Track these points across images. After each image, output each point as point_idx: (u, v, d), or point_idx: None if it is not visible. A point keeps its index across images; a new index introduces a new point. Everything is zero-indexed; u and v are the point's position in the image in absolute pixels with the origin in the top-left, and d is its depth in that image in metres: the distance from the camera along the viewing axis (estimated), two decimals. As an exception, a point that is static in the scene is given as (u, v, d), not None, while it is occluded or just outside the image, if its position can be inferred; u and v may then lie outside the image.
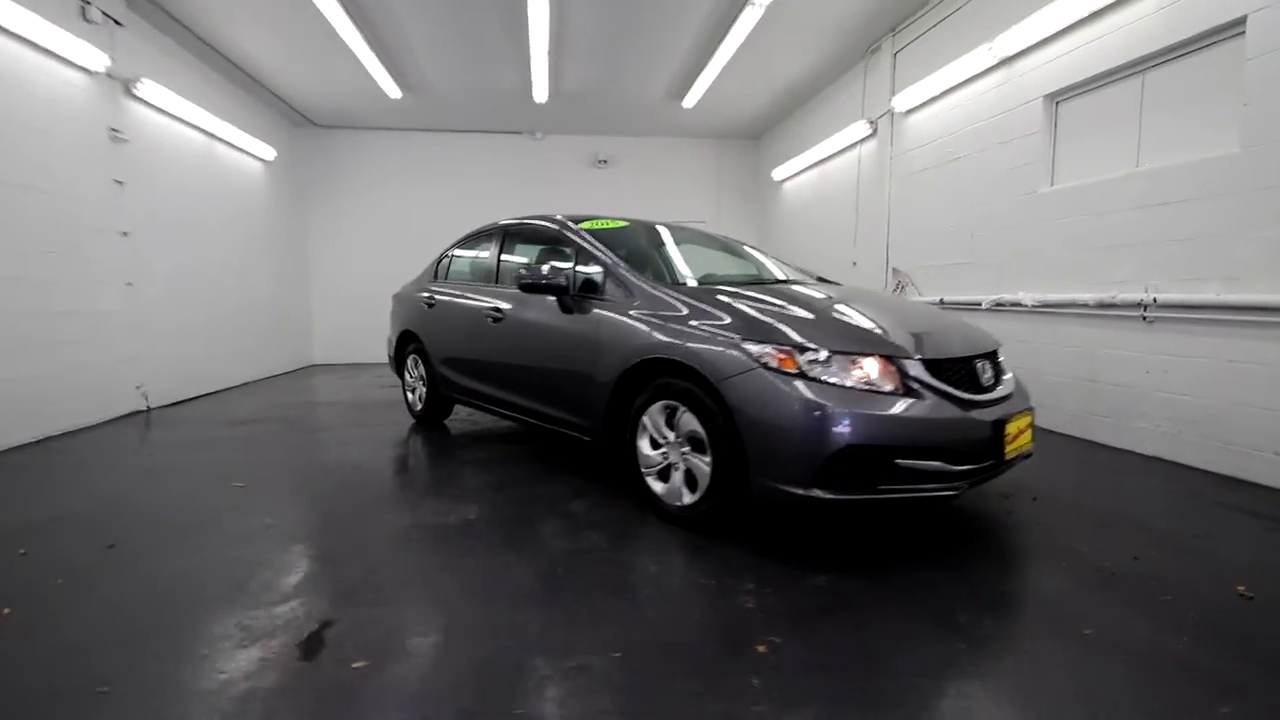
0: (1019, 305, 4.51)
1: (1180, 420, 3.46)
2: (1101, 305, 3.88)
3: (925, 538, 2.49)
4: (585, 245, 3.21)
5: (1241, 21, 3.10)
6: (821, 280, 3.58)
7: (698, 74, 6.87)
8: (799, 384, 2.16)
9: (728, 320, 2.44)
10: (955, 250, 5.25)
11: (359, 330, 9.08)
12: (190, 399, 5.86)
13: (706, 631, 1.78)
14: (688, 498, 2.52)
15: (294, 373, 8.20)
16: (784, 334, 2.29)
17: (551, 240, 3.55)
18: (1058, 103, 4.31)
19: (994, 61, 4.69)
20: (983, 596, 2.00)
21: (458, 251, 4.53)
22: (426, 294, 4.48)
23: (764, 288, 2.89)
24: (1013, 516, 2.72)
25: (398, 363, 4.97)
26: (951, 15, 5.19)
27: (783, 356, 2.22)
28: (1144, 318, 3.63)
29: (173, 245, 5.71)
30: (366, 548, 2.38)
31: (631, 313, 2.77)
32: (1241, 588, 2.04)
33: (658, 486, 2.65)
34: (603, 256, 3.07)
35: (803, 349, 2.22)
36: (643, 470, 2.71)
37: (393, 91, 7.00)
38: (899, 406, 2.16)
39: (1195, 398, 3.37)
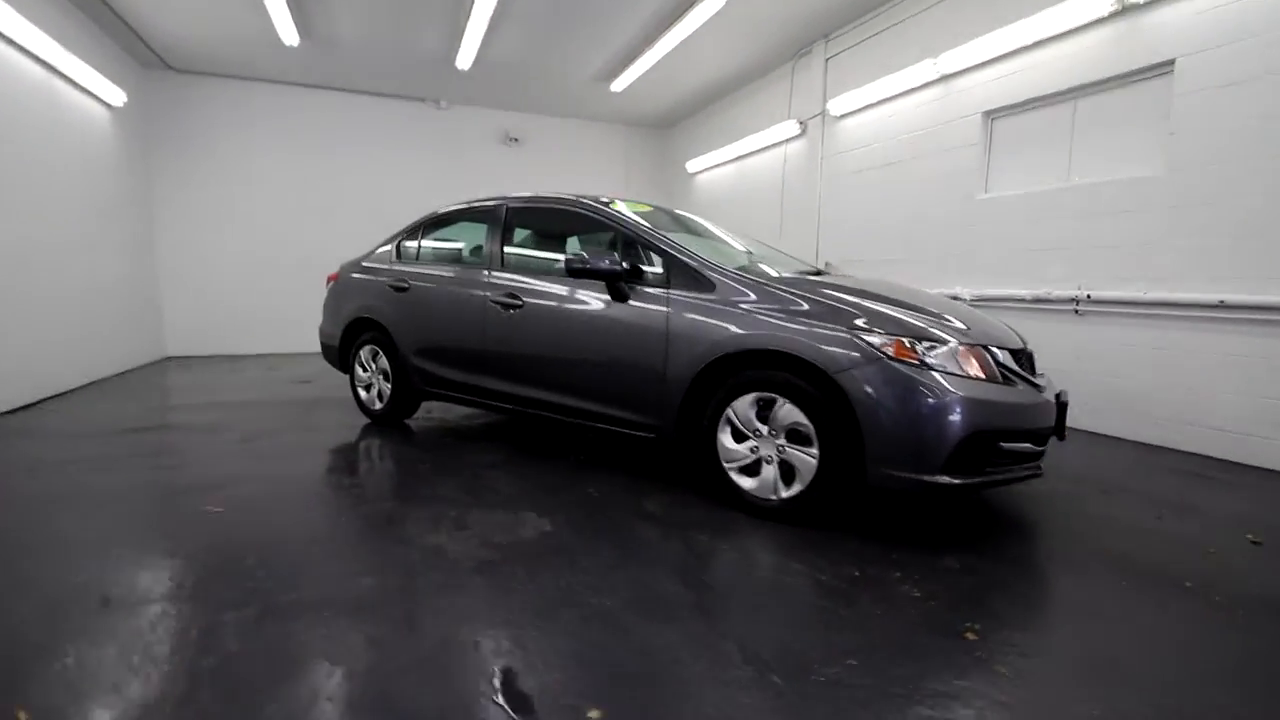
0: (957, 299, 5.04)
1: (1108, 398, 4.10)
2: (1037, 300, 4.46)
3: (953, 520, 2.70)
4: (638, 231, 3.00)
5: (1171, 63, 3.71)
6: (822, 270, 3.71)
7: (635, 59, 6.74)
8: (927, 374, 2.21)
9: (828, 310, 2.43)
10: (892, 247, 5.72)
11: (229, 317, 7.75)
12: (33, 404, 4.59)
13: (909, 625, 1.77)
14: (785, 491, 2.48)
15: (148, 367, 6.76)
16: (899, 324, 2.33)
17: (583, 222, 3.30)
18: (994, 119, 4.86)
19: (935, 77, 5.16)
20: (1069, 553, 2.22)
21: (433, 230, 4.01)
22: (394, 277, 3.92)
23: (819, 278, 2.91)
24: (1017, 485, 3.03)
25: (343, 355, 4.31)
26: (888, 30, 5.61)
27: (902, 347, 2.26)
28: (1076, 311, 4.25)
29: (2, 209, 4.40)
30: (472, 589, 2.03)
31: (711, 303, 2.65)
32: (1158, 516, 2.48)
33: (746, 482, 2.58)
34: (662, 243, 2.90)
35: (921, 339, 2.28)
36: (725, 465, 2.62)
37: (290, 37, 5.98)
38: (1006, 393, 2.31)
39: (1122, 379, 4.02)
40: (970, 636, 1.71)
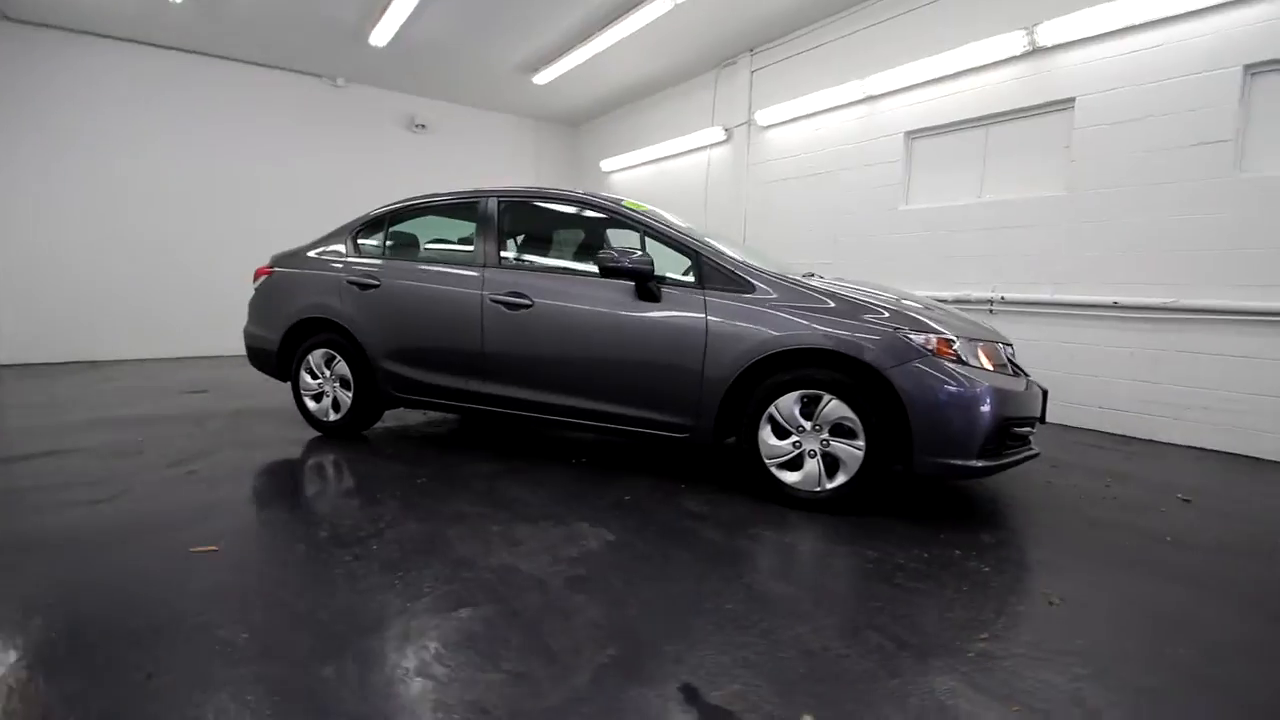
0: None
1: (1020, 386, 4.73)
2: (957, 301, 5.03)
3: (943, 500, 3.01)
4: (664, 229, 2.96)
5: (1072, 100, 4.36)
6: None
7: (567, 53, 6.60)
8: (963, 369, 2.43)
9: (868, 311, 2.57)
10: (819, 251, 6.14)
11: (79, 317, 6.48)
12: None
13: (1001, 595, 1.94)
14: (829, 483, 2.59)
15: (-37, 380, 5.43)
16: (933, 325, 2.52)
17: (597, 220, 3.19)
18: (914, 138, 5.40)
19: (861, 96, 5.62)
20: (1069, 521, 2.57)
21: (399, 222, 3.65)
22: (358, 273, 3.51)
23: (835, 280, 3.06)
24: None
25: (283, 361, 3.77)
26: (814, 50, 6.02)
27: (941, 345, 2.46)
28: (991, 311, 4.86)
29: None
30: (583, 608, 1.89)
31: (752, 304, 2.69)
32: (1106, 485, 3.00)
33: (789, 476, 2.65)
34: (693, 244, 2.89)
35: (958, 337, 2.50)
36: (767, 461, 2.68)
37: (172, -10, 5.12)
38: (1016, 383, 2.60)
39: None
40: (1054, 602, 1.91)
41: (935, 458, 2.42)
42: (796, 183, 6.33)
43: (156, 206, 6.78)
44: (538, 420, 3.14)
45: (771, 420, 2.65)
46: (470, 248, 3.34)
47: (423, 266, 3.42)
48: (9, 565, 2.00)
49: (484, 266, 3.23)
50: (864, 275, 5.62)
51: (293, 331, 3.68)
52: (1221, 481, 3.33)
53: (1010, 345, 2.96)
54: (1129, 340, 4.16)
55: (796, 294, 2.68)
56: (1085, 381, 4.41)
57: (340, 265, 3.60)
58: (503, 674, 1.49)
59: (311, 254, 3.76)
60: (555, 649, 1.59)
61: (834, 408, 2.54)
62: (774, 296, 2.68)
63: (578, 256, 3.53)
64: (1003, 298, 4.76)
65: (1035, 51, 4.47)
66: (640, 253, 2.79)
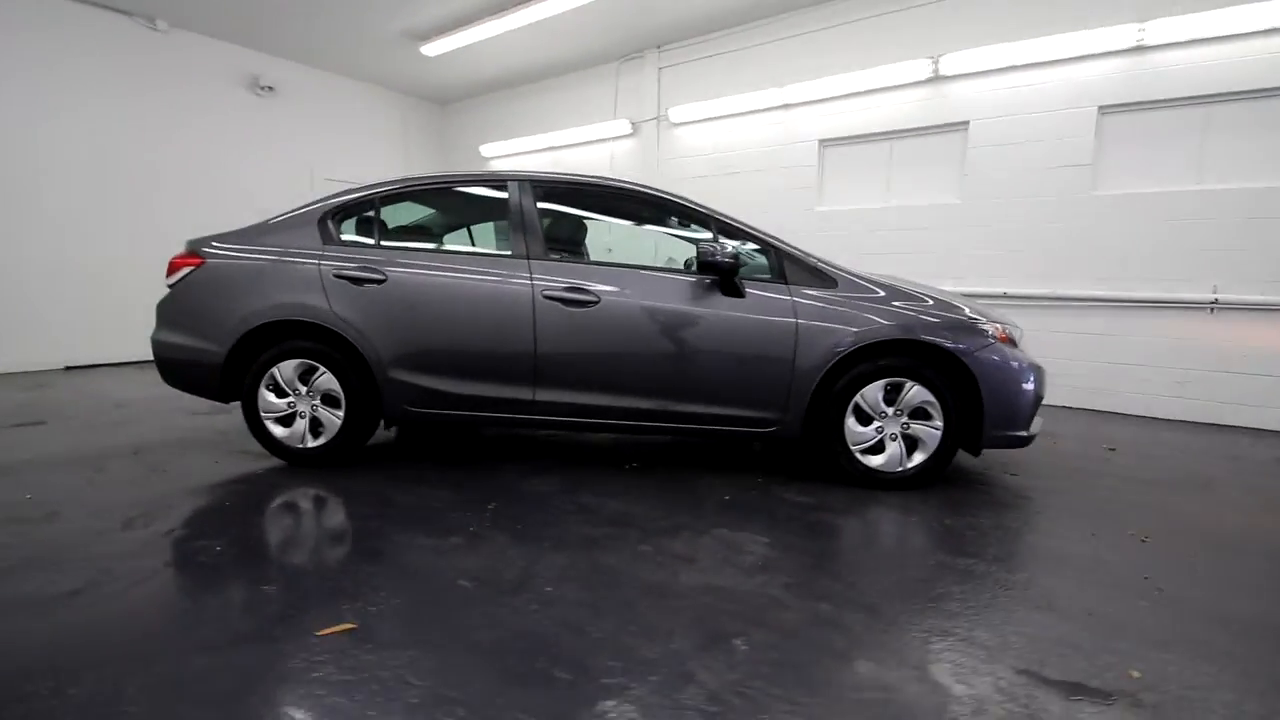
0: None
1: (927, 366, 5.51)
2: (872, 293, 5.69)
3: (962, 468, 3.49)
4: (741, 224, 2.95)
5: (966, 123, 5.17)
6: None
7: (469, 25, 6.03)
8: (1019, 354, 2.80)
9: (941, 304, 2.83)
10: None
11: None
12: None
13: (1107, 544, 2.31)
14: (910, 463, 2.81)
15: None
16: (992, 315, 2.87)
17: (657, 211, 3.03)
18: (826, 146, 5.94)
19: (778, 104, 6.02)
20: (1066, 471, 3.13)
21: (393, 204, 3.08)
22: (351, 264, 2.88)
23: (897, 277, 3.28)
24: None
25: (231, 377, 2.96)
26: (729, 54, 6.29)
27: (1002, 333, 2.81)
28: (901, 302, 5.57)
29: None
30: (815, 627, 1.82)
31: (838, 298, 2.79)
32: (1054, 441, 3.79)
33: (874, 460, 2.82)
34: (771, 239, 2.90)
35: (1010, 326, 2.87)
36: (853, 447, 2.81)
37: None
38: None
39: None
40: (1143, 540, 2.33)
41: (1000, 431, 2.77)
42: (713, 180, 6.57)
43: None
44: (584, 426, 2.90)
45: (857, 408, 2.79)
46: (505, 238, 2.95)
47: (436, 259, 2.93)
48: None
49: (528, 258, 2.88)
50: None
51: (246, 339, 2.91)
52: (1115, 432, 4.25)
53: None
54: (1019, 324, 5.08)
55: (870, 289, 2.85)
56: (983, 359, 5.29)
57: (314, 255, 2.92)
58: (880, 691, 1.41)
59: (265, 241, 2.99)
60: (819, 677, 1.54)
61: (916, 393, 2.76)
62: (853, 291, 2.82)
63: (636, 250, 3.34)
64: (912, 290, 5.49)
65: (937, 79, 5.22)
66: (732, 247, 2.73)
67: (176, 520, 2.33)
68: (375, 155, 8.16)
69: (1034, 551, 2.25)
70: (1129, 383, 4.71)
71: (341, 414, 2.92)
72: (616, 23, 6.19)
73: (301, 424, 2.96)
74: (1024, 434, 2.79)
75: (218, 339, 2.91)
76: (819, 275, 2.85)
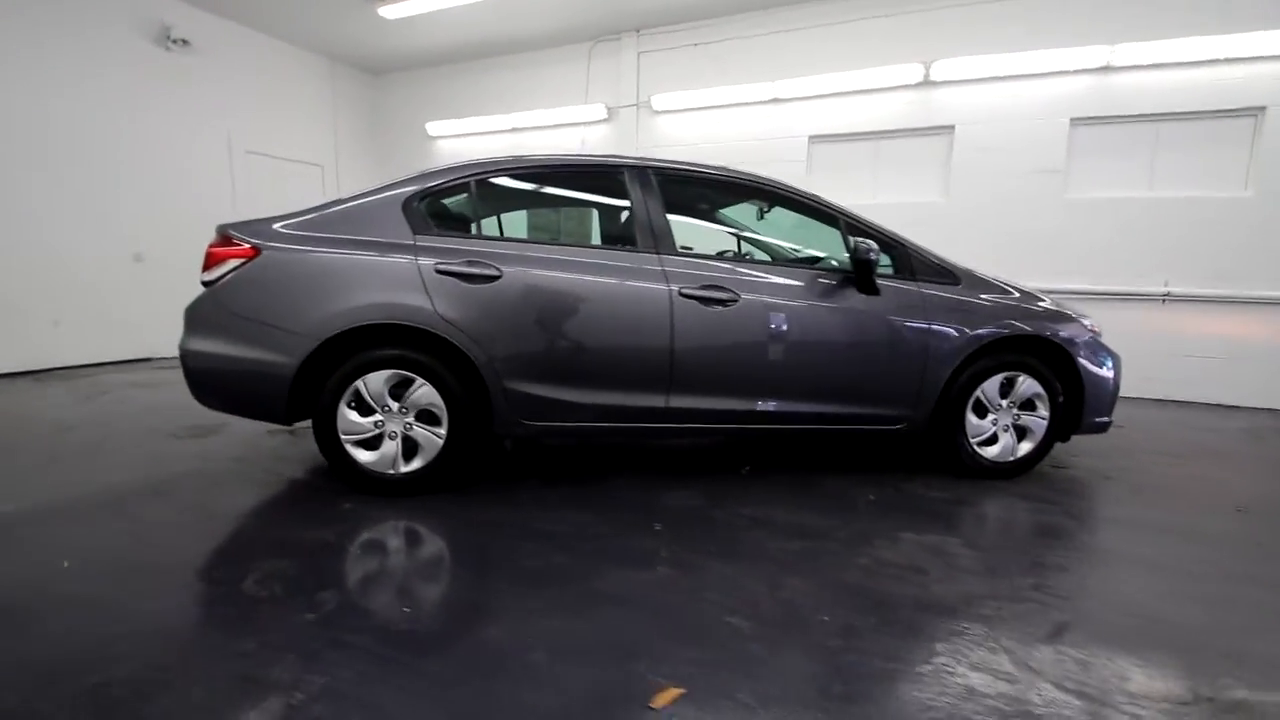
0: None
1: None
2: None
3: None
4: (868, 223, 2.91)
5: (951, 127, 5.51)
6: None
7: (446, -12, 5.45)
8: (1107, 346, 3.03)
9: (1046, 302, 2.99)
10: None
11: None
12: None
13: (1197, 508, 2.57)
14: (1017, 452, 2.95)
15: None
16: (1077, 310, 3.07)
17: (779, 203, 2.93)
18: (815, 143, 6.08)
19: (768, 98, 6.06)
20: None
21: (488, 188, 2.70)
22: (459, 259, 2.47)
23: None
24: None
25: (301, 394, 2.44)
26: (718, 44, 6.23)
27: (1095, 328, 3.02)
28: (889, 294, 5.87)
29: None
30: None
31: (962, 295, 2.85)
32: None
33: (989, 451, 2.93)
34: (897, 236, 2.88)
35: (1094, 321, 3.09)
36: (972, 440, 2.90)
37: None
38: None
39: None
40: (1244, 510, 2.63)
41: (1095, 418, 2.98)
42: (696, 171, 6.48)
43: None
44: (703, 432, 2.77)
45: (977, 402, 2.88)
46: (626, 228, 2.68)
47: (565, 250, 2.61)
48: None
49: (658, 252, 2.64)
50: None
51: (324, 348, 2.41)
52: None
53: None
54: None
55: (986, 285, 2.94)
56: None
57: (406, 246, 2.48)
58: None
59: (339, 228, 2.49)
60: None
61: (1029, 386, 2.90)
62: (975, 287, 2.90)
63: (757, 245, 3.25)
64: (900, 283, 5.79)
65: (927, 83, 5.51)
66: (876, 245, 2.68)
67: (305, 584, 1.87)
68: (302, 127, 7.18)
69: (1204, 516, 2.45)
70: (1096, 366, 5.31)
71: (444, 432, 2.51)
72: (592, 1, 5.90)
73: (392, 446, 2.51)
74: (1108, 419, 3.02)
75: (286, 347, 2.39)
76: (943, 272, 2.89)
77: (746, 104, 6.21)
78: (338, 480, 2.61)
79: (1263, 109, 4.64)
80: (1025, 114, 5.27)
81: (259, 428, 3.48)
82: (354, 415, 2.47)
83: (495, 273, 2.49)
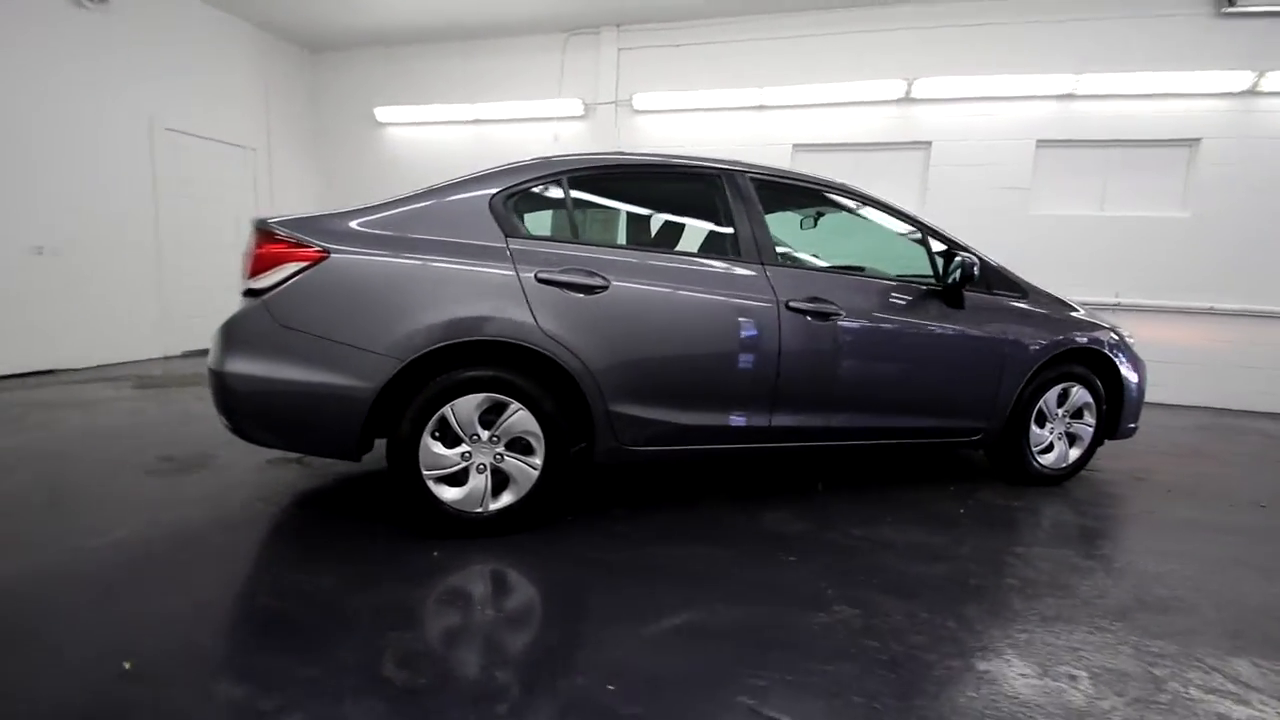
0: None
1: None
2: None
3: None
4: (947, 234, 2.93)
5: (929, 143, 5.76)
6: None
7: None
8: (1138, 356, 3.24)
9: (1087, 313, 3.14)
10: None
11: None
12: None
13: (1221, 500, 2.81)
14: (1069, 459, 3.09)
15: None
16: (1110, 321, 3.26)
17: (879, 212, 2.94)
18: (798, 151, 6.15)
19: (753, 104, 6.06)
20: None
21: (580, 189, 2.48)
22: (561, 268, 2.19)
23: None
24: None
25: (377, 422, 2.07)
26: (704, 46, 6.15)
27: (1131, 337, 3.22)
28: (868, 301, 6.06)
29: None
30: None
31: (1030, 307, 2.95)
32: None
33: (1046, 459, 3.04)
34: (969, 247, 2.89)
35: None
36: (1034, 449, 3.00)
37: None
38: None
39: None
40: (1269, 504, 2.89)
41: (1129, 424, 3.19)
42: (677, 174, 6.37)
43: None
44: (799, 452, 2.66)
45: (1039, 413, 2.98)
46: (725, 237, 2.52)
47: (672, 258, 2.40)
48: None
49: (763, 264, 2.49)
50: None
51: (412, 368, 2.05)
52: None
53: None
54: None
55: (1047, 297, 3.05)
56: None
57: (499, 251, 2.18)
58: None
59: (418, 229, 2.13)
60: None
61: (1080, 395, 3.04)
62: (1040, 300, 3.00)
63: (848, 255, 3.14)
64: (880, 291, 6.00)
65: (908, 100, 5.72)
66: (975, 259, 2.69)
67: (453, 658, 1.56)
68: (230, 105, 6.32)
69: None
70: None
71: (539, 462, 2.23)
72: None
73: (480, 480, 2.19)
74: (1136, 425, 3.24)
75: (363, 370, 2.02)
76: (1014, 285, 2.97)
77: (732, 109, 6.18)
78: (406, 522, 2.25)
79: (1198, 140, 5.22)
80: (997, 134, 5.61)
81: (253, 458, 2.97)
82: (438, 447, 2.13)
83: (603, 283, 2.24)
